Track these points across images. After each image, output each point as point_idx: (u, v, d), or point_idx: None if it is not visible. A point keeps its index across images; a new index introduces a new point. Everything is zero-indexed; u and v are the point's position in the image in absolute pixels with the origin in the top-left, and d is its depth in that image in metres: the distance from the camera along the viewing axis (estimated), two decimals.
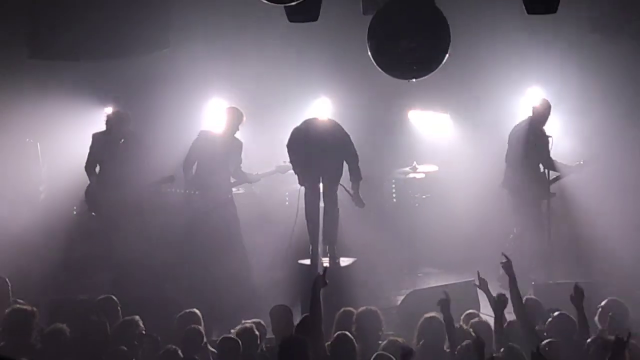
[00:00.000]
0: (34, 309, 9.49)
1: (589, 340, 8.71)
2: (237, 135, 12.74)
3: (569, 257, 12.71)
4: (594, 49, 13.12)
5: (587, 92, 13.42)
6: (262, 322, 9.70)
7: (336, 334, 8.90)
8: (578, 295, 9.19)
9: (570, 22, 12.67)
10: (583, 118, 13.51)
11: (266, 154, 13.32)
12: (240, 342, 8.91)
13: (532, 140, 12.72)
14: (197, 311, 9.75)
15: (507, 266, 9.44)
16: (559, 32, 13.15)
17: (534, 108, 12.84)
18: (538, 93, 13.40)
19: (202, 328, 9.32)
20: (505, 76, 13.55)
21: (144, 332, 9.33)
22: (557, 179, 12.89)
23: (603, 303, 9.79)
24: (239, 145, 12.71)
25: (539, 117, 12.82)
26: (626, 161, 13.65)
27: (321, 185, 12.08)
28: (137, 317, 9.43)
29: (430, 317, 9.23)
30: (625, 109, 13.69)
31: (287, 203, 13.64)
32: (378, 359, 8.30)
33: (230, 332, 9.28)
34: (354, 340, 8.75)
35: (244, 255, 12.64)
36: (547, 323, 9.26)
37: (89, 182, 12.59)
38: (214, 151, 12.52)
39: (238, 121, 12.63)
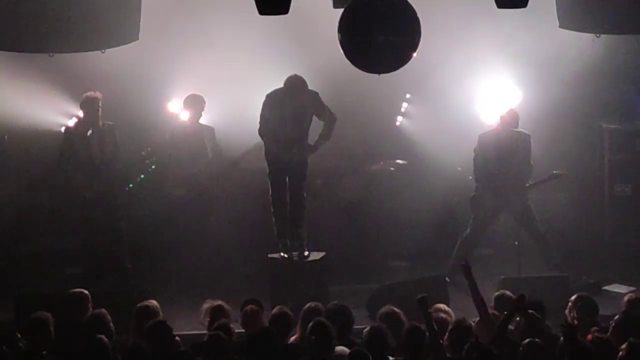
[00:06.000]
0: None
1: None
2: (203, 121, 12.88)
3: (537, 250, 12.73)
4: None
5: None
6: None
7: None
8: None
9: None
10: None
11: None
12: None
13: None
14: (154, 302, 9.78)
15: (466, 269, 9.42)
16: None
17: (501, 117, 12.76)
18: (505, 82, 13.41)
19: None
20: (472, 66, 13.53)
21: (111, 324, 9.30)
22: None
23: (573, 298, 9.84)
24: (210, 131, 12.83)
25: (508, 126, 12.69)
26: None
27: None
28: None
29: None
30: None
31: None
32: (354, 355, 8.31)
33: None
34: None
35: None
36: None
37: (61, 173, 12.53)
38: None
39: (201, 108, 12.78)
